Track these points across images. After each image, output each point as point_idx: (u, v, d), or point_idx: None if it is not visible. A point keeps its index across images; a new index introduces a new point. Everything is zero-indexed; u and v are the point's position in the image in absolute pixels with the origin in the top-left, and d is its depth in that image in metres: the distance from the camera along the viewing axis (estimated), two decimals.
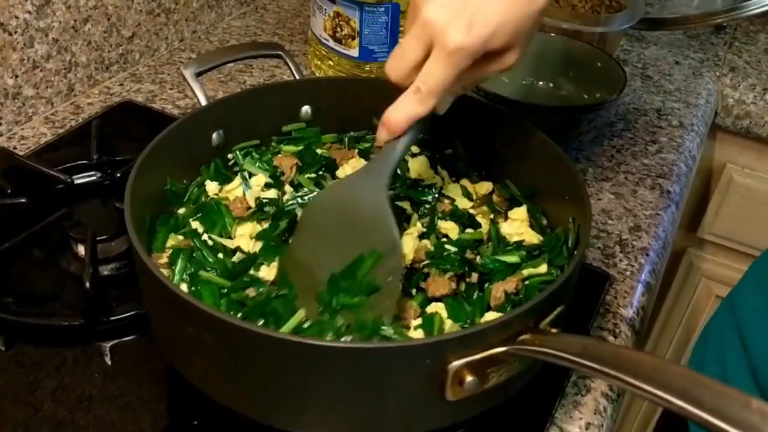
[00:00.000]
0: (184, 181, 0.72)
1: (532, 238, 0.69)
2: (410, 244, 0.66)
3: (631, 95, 1.13)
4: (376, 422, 0.53)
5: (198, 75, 0.77)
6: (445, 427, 0.55)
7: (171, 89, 1.06)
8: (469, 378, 0.50)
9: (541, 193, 0.73)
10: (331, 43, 1.03)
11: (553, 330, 0.53)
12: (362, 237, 0.57)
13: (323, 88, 0.80)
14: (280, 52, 0.83)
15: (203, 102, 0.76)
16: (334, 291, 0.56)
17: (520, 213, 0.71)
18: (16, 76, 0.92)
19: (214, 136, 0.75)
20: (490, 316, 0.60)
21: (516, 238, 0.69)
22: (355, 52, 1.01)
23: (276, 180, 0.74)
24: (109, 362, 0.66)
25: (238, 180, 0.73)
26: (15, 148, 0.92)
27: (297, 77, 0.82)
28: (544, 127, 0.89)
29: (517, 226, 0.70)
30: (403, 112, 0.58)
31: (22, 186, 0.81)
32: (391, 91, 0.80)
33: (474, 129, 0.78)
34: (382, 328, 0.55)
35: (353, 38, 1.00)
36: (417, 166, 0.77)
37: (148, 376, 0.65)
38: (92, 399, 0.63)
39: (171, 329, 0.56)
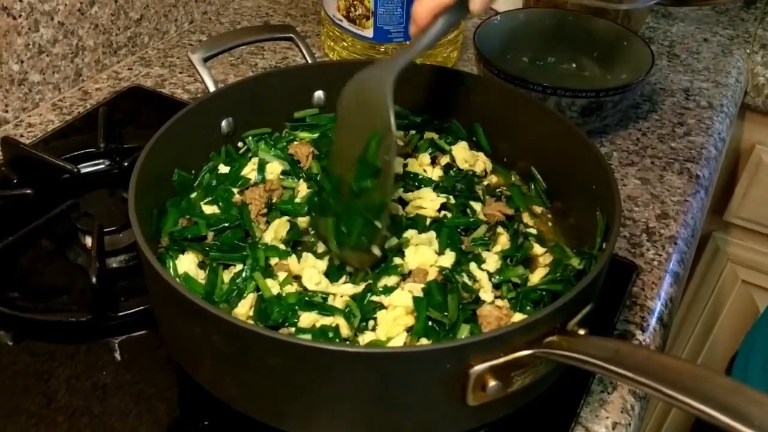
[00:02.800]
0: (193, 171, 0.70)
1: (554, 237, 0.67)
2: None
3: (657, 75, 1.08)
4: (391, 429, 0.51)
5: (206, 60, 0.74)
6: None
7: (181, 73, 1.04)
8: (492, 382, 0.47)
9: (566, 181, 0.69)
10: (345, 24, 1.00)
11: (581, 331, 0.50)
12: (371, 121, 0.60)
13: (336, 72, 0.77)
14: (291, 35, 0.80)
15: (212, 88, 0.73)
16: (357, 178, 0.60)
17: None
18: (22, 62, 0.90)
19: (224, 123, 0.72)
20: (517, 317, 0.57)
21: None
22: (369, 33, 0.98)
23: (293, 167, 0.71)
24: (119, 358, 0.64)
25: (251, 165, 0.71)
26: (22, 135, 0.89)
27: (309, 61, 0.79)
28: (567, 110, 0.86)
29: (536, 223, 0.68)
30: (426, 3, 0.59)
31: (28, 176, 0.79)
32: (407, 75, 0.77)
33: (494, 113, 0.75)
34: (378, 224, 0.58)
35: (368, 18, 0.97)
36: (460, 153, 0.74)
37: (161, 366, 0.64)
38: (106, 387, 0.61)
39: (177, 329, 0.54)
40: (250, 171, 0.71)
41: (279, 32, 0.80)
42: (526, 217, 0.69)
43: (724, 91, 1.06)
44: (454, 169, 0.73)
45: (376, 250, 0.60)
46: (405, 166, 0.73)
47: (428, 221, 0.66)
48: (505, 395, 0.49)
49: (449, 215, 0.67)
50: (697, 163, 0.91)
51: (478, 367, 0.47)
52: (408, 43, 0.62)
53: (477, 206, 0.68)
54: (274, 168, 0.71)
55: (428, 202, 0.67)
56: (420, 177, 0.71)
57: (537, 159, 0.72)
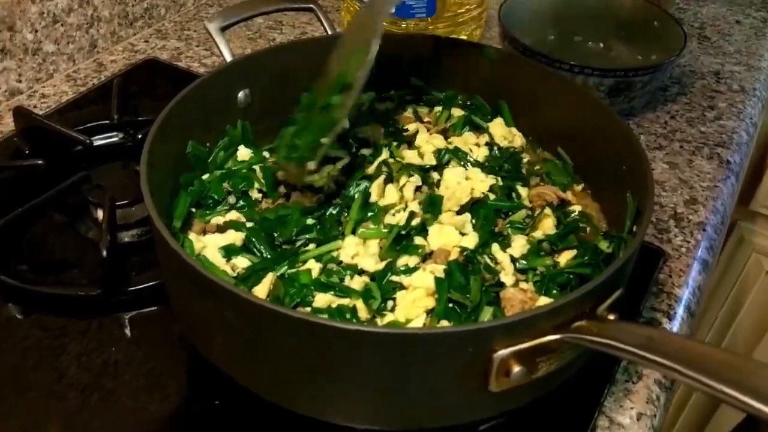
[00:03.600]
0: (207, 144, 0.67)
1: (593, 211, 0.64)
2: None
3: (687, 57, 1.04)
4: (409, 413, 0.49)
5: (223, 29, 0.72)
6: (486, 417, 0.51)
7: (197, 46, 1.01)
8: (516, 368, 0.45)
9: (594, 161, 0.67)
10: None
11: (611, 316, 0.47)
12: (361, 41, 0.63)
13: None
14: (311, 5, 0.77)
15: (228, 58, 0.71)
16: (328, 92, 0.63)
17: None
18: (36, 31, 0.88)
19: (240, 95, 0.69)
20: (542, 301, 0.54)
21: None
22: None
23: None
24: (129, 335, 0.63)
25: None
26: (35, 106, 0.88)
27: (330, 33, 0.76)
28: (594, 90, 0.83)
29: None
30: None
31: (40, 147, 0.77)
32: (429, 50, 0.74)
33: (519, 90, 0.72)
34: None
35: None
36: (498, 129, 0.71)
37: (173, 343, 0.62)
38: (118, 364, 0.60)
39: (190, 305, 0.52)
40: None
41: (300, 1, 0.78)
42: (568, 195, 0.67)
43: (756, 75, 1.02)
44: (496, 147, 0.70)
45: (311, 165, 0.61)
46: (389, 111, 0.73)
47: (468, 201, 0.63)
48: (529, 381, 0.47)
49: (492, 196, 0.64)
50: (727, 148, 0.88)
51: (503, 352, 0.44)
52: None
53: (523, 191, 0.65)
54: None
55: (478, 183, 0.64)
56: (467, 156, 0.68)
57: (563, 137, 0.70)
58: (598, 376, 0.61)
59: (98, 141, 0.77)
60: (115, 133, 0.80)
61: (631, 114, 0.92)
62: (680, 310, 0.68)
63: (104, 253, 0.62)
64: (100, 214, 0.71)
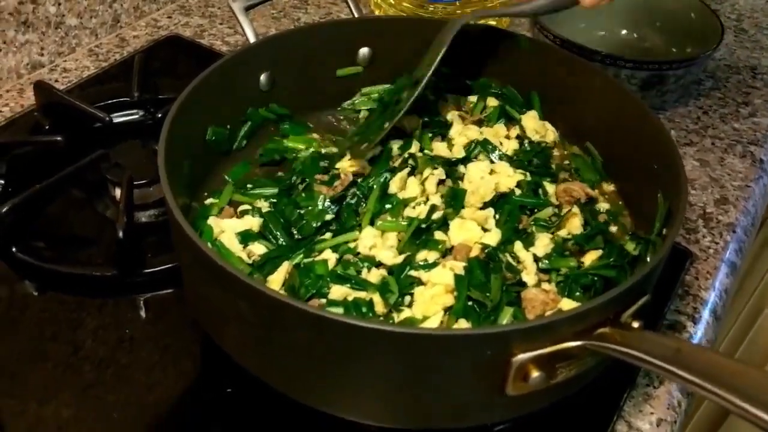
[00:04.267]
0: (228, 126, 0.66)
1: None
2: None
3: (722, 50, 1.01)
4: (422, 413, 0.48)
5: (247, 9, 0.70)
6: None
7: (221, 24, 1.00)
8: (535, 373, 0.44)
9: (624, 159, 0.64)
10: None
11: (635, 324, 0.46)
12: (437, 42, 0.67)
13: (385, 27, 0.73)
14: None
15: (252, 39, 0.69)
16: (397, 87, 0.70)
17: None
18: (59, 4, 0.87)
19: (263, 77, 0.68)
20: (564, 303, 0.53)
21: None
22: None
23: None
24: (144, 316, 0.62)
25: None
26: (56, 81, 0.87)
27: (356, 15, 0.75)
28: (626, 82, 0.80)
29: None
30: None
31: (60, 123, 0.76)
32: (468, 36, 0.72)
33: (550, 81, 0.70)
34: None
35: None
36: (530, 122, 0.69)
37: (189, 325, 0.61)
38: (133, 340, 0.60)
39: (203, 293, 0.51)
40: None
41: None
42: (597, 193, 0.65)
43: None
44: (526, 141, 0.68)
45: (367, 146, 0.65)
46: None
47: (493, 196, 0.61)
48: (547, 387, 0.45)
49: (518, 191, 0.62)
50: (761, 146, 0.85)
51: (522, 356, 0.43)
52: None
53: (550, 188, 0.64)
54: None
55: (505, 178, 0.63)
56: (497, 150, 0.66)
57: (593, 132, 0.68)
58: (618, 380, 0.59)
59: (118, 118, 0.76)
60: (135, 111, 0.79)
61: (662, 108, 0.89)
62: (706, 314, 0.66)
63: (120, 234, 0.61)
64: (118, 192, 0.71)
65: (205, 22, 1.00)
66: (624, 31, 0.94)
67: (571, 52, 0.79)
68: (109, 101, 0.79)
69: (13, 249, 0.64)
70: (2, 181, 0.70)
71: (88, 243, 0.68)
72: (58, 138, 0.71)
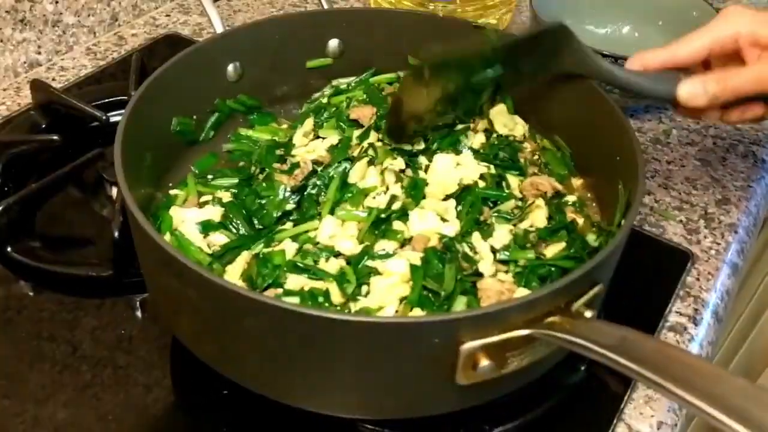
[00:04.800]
0: (195, 117, 0.66)
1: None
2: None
3: None
4: (375, 402, 0.48)
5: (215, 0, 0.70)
6: (455, 411, 0.49)
7: None
8: (484, 361, 0.43)
9: (589, 152, 0.64)
10: None
11: (588, 313, 0.45)
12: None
13: (354, 18, 0.72)
14: None
15: (219, 29, 0.69)
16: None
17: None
18: (56, 2, 0.87)
19: (230, 68, 0.68)
20: (520, 293, 0.52)
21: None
22: None
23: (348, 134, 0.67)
24: (140, 316, 0.62)
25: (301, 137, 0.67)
26: (54, 79, 0.86)
27: (325, 6, 0.74)
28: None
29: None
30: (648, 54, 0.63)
31: (56, 122, 0.76)
32: (440, 29, 0.71)
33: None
34: None
35: None
36: (499, 117, 0.69)
37: None
38: (132, 340, 0.59)
39: (159, 283, 0.51)
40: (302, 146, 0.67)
41: None
42: (565, 187, 0.65)
43: None
44: (494, 135, 0.68)
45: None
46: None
47: (455, 191, 0.61)
48: (499, 376, 0.45)
49: (482, 183, 0.62)
50: (763, 146, 0.85)
51: (470, 344, 0.43)
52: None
53: (513, 181, 0.63)
54: (331, 140, 0.67)
55: (468, 170, 0.62)
56: (461, 141, 0.66)
57: (562, 125, 0.67)
58: (617, 382, 0.59)
59: (114, 117, 0.76)
60: None
61: (664, 107, 0.89)
62: (707, 316, 0.66)
63: (116, 233, 0.61)
64: (114, 191, 0.70)
65: (203, 20, 0.99)
66: (626, 29, 0.93)
67: None
68: (106, 100, 0.78)
69: (8, 249, 0.63)
70: None
71: (85, 243, 0.67)
72: (55, 137, 0.71)
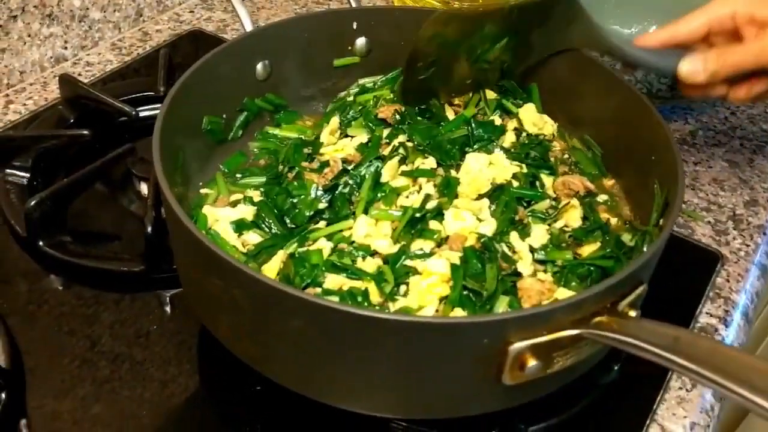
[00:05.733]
0: (224, 116, 0.66)
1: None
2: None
3: None
4: (420, 402, 0.48)
5: None
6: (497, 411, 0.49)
7: None
8: (531, 362, 0.43)
9: (622, 150, 0.64)
10: None
11: (632, 313, 0.45)
12: None
13: (381, 18, 0.72)
14: None
15: (249, 27, 0.69)
16: None
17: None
18: None
19: (259, 67, 0.67)
20: (560, 293, 0.52)
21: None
22: None
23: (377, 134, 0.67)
24: (169, 312, 0.62)
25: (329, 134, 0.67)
26: (80, 74, 0.87)
27: (354, 5, 0.74)
28: (656, 82, 0.79)
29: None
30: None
31: (84, 116, 0.76)
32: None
33: (550, 74, 0.69)
34: None
35: None
36: (528, 115, 0.68)
37: None
38: (149, 335, 0.59)
39: (199, 281, 0.51)
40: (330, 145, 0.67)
41: None
42: (596, 187, 0.64)
43: None
44: (524, 134, 0.68)
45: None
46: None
47: (488, 190, 0.61)
48: (544, 376, 0.45)
49: (515, 183, 0.62)
50: None
51: (518, 345, 0.43)
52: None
53: (547, 180, 0.63)
54: (360, 139, 0.67)
55: (501, 169, 0.62)
56: (493, 140, 0.66)
57: (592, 124, 0.67)
58: (650, 382, 0.59)
59: (143, 113, 0.76)
60: (160, 105, 0.78)
61: (690, 108, 0.88)
62: (737, 317, 0.65)
63: (149, 228, 0.61)
64: (143, 187, 0.71)
65: (227, 17, 1.00)
66: (654, 28, 0.93)
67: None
68: (134, 95, 0.78)
69: (40, 243, 0.63)
70: (28, 175, 0.69)
71: (113, 238, 0.68)
72: (85, 132, 0.71)
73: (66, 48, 0.88)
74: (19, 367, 0.56)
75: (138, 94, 0.78)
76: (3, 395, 0.53)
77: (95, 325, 0.60)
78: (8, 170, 0.69)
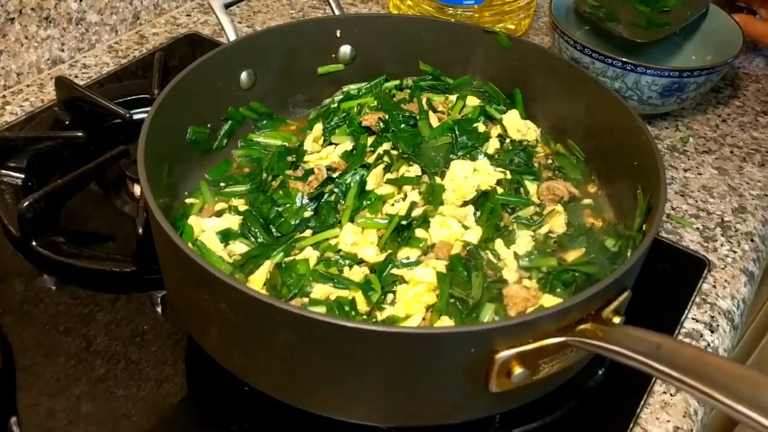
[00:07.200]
0: (209, 126, 0.66)
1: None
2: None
3: (741, 59, 1.01)
4: (408, 410, 0.48)
5: (227, 6, 0.70)
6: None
7: (240, 23, 1.00)
8: (518, 369, 0.44)
9: (605, 156, 0.65)
10: None
11: (616, 319, 0.46)
12: None
13: (365, 26, 0.72)
14: None
15: (232, 37, 0.69)
16: None
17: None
18: (80, 0, 0.88)
19: (243, 76, 0.68)
20: (546, 299, 0.53)
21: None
22: None
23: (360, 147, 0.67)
24: (160, 312, 0.63)
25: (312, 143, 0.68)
26: (76, 76, 0.87)
27: (337, 13, 0.74)
28: (646, 88, 0.80)
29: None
30: None
31: (80, 118, 0.77)
32: (450, 35, 0.72)
33: (533, 80, 0.70)
34: None
35: None
36: (512, 122, 0.69)
37: None
38: (145, 335, 0.60)
39: (186, 294, 0.51)
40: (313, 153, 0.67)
41: None
42: (581, 192, 0.65)
43: None
44: (508, 140, 0.68)
45: None
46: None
47: (473, 197, 0.61)
48: (530, 383, 0.46)
49: (500, 189, 0.62)
50: None
51: (505, 353, 0.43)
52: None
53: (531, 187, 0.64)
54: (344, 147, 0.67)
55: (485, 176, 0.63)
56: (477, 147, 0.66)
57: (575, 130, 0.68)
58: (634, 386, 0.59)
59: (138, 115, 0.77)
60: None
61: (680, 115, 0.89)
62: (723, 323, 0.66)
63: (140, 230, 0.61)
64: (136, 189, 0.71)
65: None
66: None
67: (592, 59, 0.79)
68: (129, 97, 0.79)
69: (33, 243, 0.64)
70: (23, 176, 0.70)
71: (106, 238, 0.68)
72: (80, 133, 0.72)
73: (63, 50, 0.89)
74: (10, 366, 0.57)
75: (133, 97, 0.79)
76: None
77: (90, 324, 0.61)
78: (3, 171, 0.70)
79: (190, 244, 0.57)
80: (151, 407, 0.55)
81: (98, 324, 0.61)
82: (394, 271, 0.55)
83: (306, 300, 0.53)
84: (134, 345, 0.59)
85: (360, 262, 0.56)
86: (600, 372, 0.60)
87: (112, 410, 0.55)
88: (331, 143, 0.68)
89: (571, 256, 0.58)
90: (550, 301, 0.53)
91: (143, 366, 0.58)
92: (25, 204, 0.63)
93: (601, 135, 0.65)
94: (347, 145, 0.67)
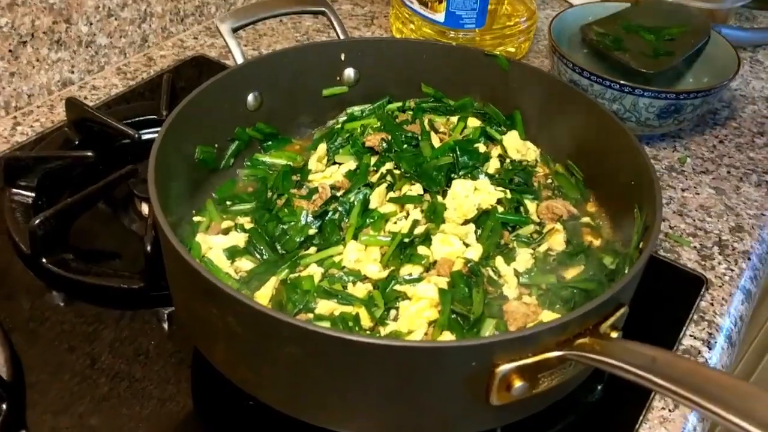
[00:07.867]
0: (216, 146, 0.68)
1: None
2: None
3: (738, 81, 1.03)
4: (410, 423, 0.49)
5: (235, 30, 0.72)
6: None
7: (246, 46, 1.02)
8: (518, 383, 0.45)
9: (602, 176, 0.66)
10: (416, 6, 0.97)
11: (614, 334, 0.47)
12: None
13: (369, 49, 0.74)
14: (324, 9, 0.76)
15: (240, 60, 0.71)
16: None
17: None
18: (90, 24, 0.90)
19: (250, 98, 0.70)
20: (545, 315, 0.54)
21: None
22: (440, 17, 0.95)
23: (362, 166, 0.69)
24: (166, 328, 0.64)
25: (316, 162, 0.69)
26: (86, 98, 0.89)
27: (341, 37, 0.76)
28: (644, 110, 0.82)
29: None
30: None
31: (89, 138, 0.78)
32: (451, 58, 0.73)
33: (532, 102, 0.72)
34: None
35: (440, 1, 0.94)
36: (511, 142, 0.71)
37: None
38: (149, 354, 0.61)
39: (194, 309, 0.52)
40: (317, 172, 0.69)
41: (311, 5, 0.77)
42: (580, 212, 0.67)
43: None
44: (508, 160, 0.70)
45: None
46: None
47: (475, 213, 0.63)
48: (530, 396, 0.47)
49: (500, 208, 0.64)
50: None
51: (505, 367, 0.44)
52: None
53: (531, 206, 0.65)
54: (347, 166, 0.69)
55: (486, 195, 0.64)
56: (478, 167, 0.68)
57: (574, 151, 0.69)
58: (632, 401, 0.60)
59: (146, 135, 0.78)
60: None
61: (678, 136, 0.91)
62: (721, 340, 0.67)
63: (148, 247, 0.63)
64: (144, 207, 0.73)
65: None
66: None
67: (591, 81, 0.81)
68: (138, 118, 0.81)
69: (43, 260, 0.65)
70: (33, 195, 0.72)
71: (114, 256, 0.70)
72: (89, 153, 0.73)
73: (73, 72, 0.91)
74: (20, 380, 0.58)
75: (141, 118, 0.81)
76: (4, 407, 0.54)
77: (96, 342, 0.62)
78: (14, 189, 0.71)
79: (198, 261, 0.58)
80: (154, 426, 0.56)
81: (103, 342, 0.62)
82: (397, 287, 0.56)
83: (311, 315, 0.54)
84: (138, 363, 0.60)
85: (363, 278, 0.57)
86: (599, 387, 0.60)
87: (115, 428, 0.56)
88: (335, 163, 0.70)
89: (570, 273, 0.59)
90: (549, 317, 0.54)
91: (146, 384, 0.59)
92: (36, 222, 0.64)
93: (599, 155, 0.66)
94: (351, 164, 0.68)
